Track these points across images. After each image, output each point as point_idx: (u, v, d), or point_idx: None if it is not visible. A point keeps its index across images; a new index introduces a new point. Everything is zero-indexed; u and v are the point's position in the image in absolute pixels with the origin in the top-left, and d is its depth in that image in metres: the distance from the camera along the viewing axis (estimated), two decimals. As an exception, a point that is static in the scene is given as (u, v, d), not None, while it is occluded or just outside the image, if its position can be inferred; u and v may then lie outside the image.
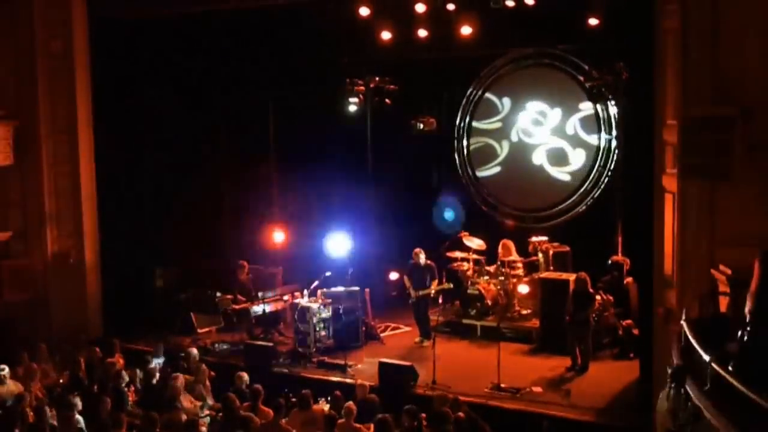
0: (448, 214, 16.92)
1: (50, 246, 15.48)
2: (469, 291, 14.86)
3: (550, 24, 14.75)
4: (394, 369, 12.29)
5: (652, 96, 10.74)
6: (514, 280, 14.89)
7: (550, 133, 16.47)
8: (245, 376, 11.57)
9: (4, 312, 14.98)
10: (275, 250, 16.64)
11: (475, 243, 15.49)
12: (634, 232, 13.49)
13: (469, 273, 15.21)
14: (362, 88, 16.53)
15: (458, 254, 15.51)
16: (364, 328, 14.45)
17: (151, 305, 15.90)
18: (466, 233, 15.69)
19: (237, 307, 14.83)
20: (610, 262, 14.28)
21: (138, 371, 12.24)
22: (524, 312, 14.87)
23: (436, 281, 14.43)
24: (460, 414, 9.90)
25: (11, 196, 15.56)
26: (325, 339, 14.07)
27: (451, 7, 14.19)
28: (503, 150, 17.10)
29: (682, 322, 7.52)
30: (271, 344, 13.87)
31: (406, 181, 17.60)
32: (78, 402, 10.56)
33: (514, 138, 16.92)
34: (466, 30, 14.86)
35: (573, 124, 16.25)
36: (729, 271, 8.27)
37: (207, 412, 11.21)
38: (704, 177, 9.40)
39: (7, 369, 11.74)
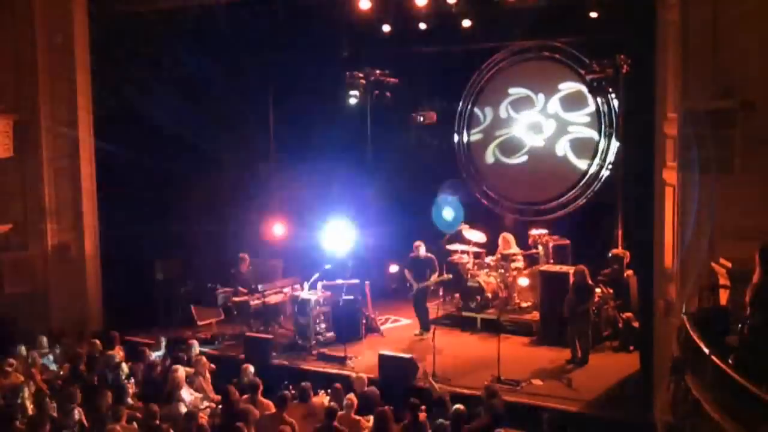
0: (448, 214, 16.89)
1: (50, 239, 15.48)
2: (469, 284, 14.86)
3: (551, 17, 14.76)
4: (394, 361, 12.30)
5: (653, 89, 10.73)
6: (514, 272, 14.89)
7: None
8: (251, 368, 11.56)
9: (4, 305, 14.99)
10: (275, 243, 16.66)
11: (475, 236, 15.50)
12: (634, 225, 13.50)
13: (469, 266, 15.21)
14: (363, 81, 16.50)
15: (458, 247, 15.51)
16: (364, 321, 14.47)
17: (152, 298, 15.91)
18: (467, 226, 15.70)
19: (237, 299, 14.83)
20: (610, 254, 14.29)
21: (140, 364, 12.25)
22: (524, 305, 14.88)
23: (436, 274, 14.43)
24: (459, 406, 9.95)
25: (11, 189, 15.54)
26: (325, 331, 14.08)
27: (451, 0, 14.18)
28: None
29: (683, 314, 7.53)
30: (271, 337, 13.89)
31: (407, 173, 17.61)
32: (78, 394, 10.58)
33: (513, 132, 16.92)
34: (466, 23, 14.88)
35: (574, 123, 16.27)
36: (729, 264, 8.28)
37: (207, 404, 11.24)
38: (704, 170, 9.40)
39: (15, 363, 11.79)
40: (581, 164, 16.25)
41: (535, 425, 9.95)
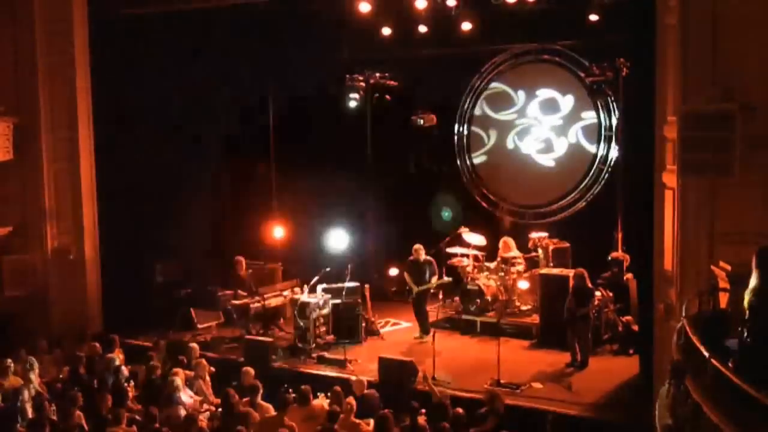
0: (445, 213, 16.89)
1: (50, 241, 15.50)
2: (468, 287, 14.84)
3: (551, 20, 14.77)
4: (393, 364, 12.29)
5: (653, 92, 10.73)
6: (514, 275, 14.88)
7: (544, 125, 16.53)
8: (250, 371, 11.55)
9: (4, 307, 14.99)
10: (275, 246, 16.65)
11: (475, 239, 15.48)
12: (634, 229, 13.50)
13: (469, 269, 15.20)
14: (362, 83, 16.50)
15: (458, 250, 15.50)
16: (363, 324, 14.45)
17: (151, 301, 15.90)
18: (466, 229, 15.68)
19: (237, 302, 14.81)
20: (610, 258, 14.28)
21: (140, 367, 12.24)
22: (524, 308, 14.87)
23: (436, 277, 14.42)
24: (458, 410, 9.96)
25: (11, 191, 15.56)
26: (324, 334, 14.06)
27: (451, 3, 14.18)
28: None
29: (682, 318, 7.51)
30: (270, 340, 13.87)
31: (406, 176, 17.60)
32: (78, 397, 10.58)
33: (513, 132, 16.93)
34: (466, 26, 14.88)
35: (574, 126, 16.29)
36: (729, 267, 8.27)
37: (206, 407, 11.23)
38: (704, 173, 9.40)
39: (12, 363, 11.78)
40: (583, 166, 16.26)
41: (535, 428, 9.96)
